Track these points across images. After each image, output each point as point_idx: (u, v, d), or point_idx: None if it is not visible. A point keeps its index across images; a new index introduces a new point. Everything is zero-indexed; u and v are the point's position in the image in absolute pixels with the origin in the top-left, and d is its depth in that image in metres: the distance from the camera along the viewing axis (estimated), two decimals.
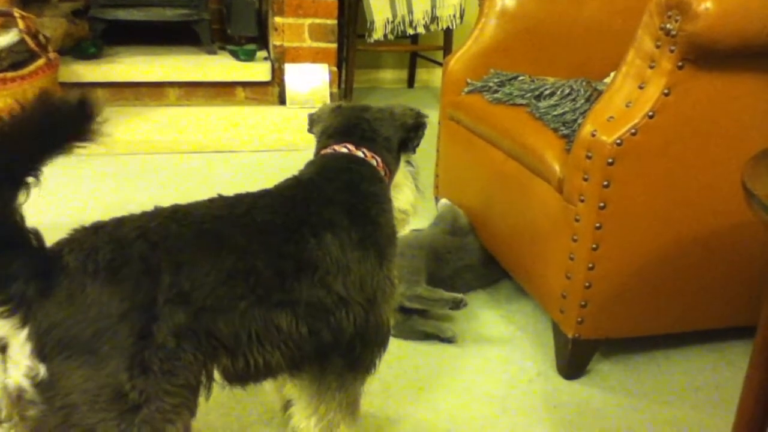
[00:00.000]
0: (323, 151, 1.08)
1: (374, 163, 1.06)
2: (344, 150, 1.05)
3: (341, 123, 1.09)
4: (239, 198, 0.97)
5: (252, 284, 0.86)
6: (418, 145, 1.20)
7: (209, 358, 0.84)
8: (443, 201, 1.84)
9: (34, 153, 0.74)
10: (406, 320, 1.48)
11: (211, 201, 0.96)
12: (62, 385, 0.74)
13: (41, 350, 0.74)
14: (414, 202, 1.18)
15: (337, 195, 0.98)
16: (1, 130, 0.69)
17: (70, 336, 0.75)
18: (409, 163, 1.20)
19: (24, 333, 0.74)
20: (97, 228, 0.90)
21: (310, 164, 1.06)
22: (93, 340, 0.75)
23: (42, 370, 0.74)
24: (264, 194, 0.98)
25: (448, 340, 1.46)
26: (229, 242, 0.87)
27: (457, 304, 1.46)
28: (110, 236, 0.86)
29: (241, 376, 0.90)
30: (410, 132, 1.16)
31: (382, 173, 1.08)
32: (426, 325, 1.48)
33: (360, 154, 1.05)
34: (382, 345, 1.02)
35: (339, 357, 0.98)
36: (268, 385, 1.18)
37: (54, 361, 0.74)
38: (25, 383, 0.75)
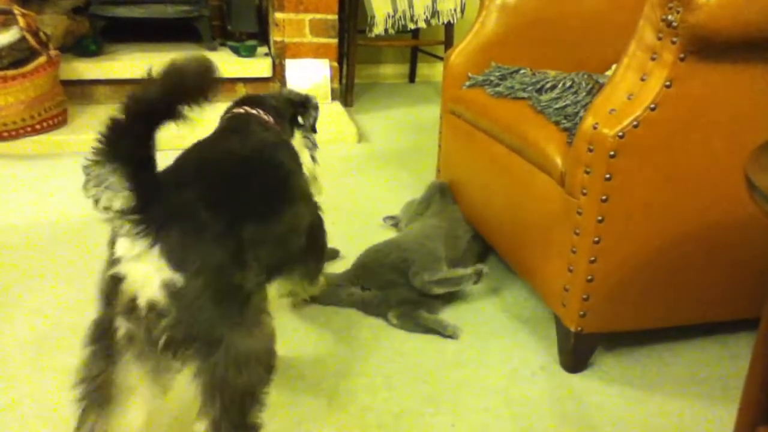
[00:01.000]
0: (227, 115, 1.33)
1: (267, 119, 1.31)
2: (242, 110, 1.31)
3: (240, 97, 1.39)
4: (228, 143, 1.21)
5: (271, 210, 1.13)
6: (312, 124, 1.45)
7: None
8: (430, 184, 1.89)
9: (171, 105, 0.90)
10: (412, 312, 1.48)
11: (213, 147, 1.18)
12: (191, 289, 0.90)
13: (175, 263, 0.90)
14: (311, 169, 1.42)
15: (270, 139, 1.25)
16: (151, 87, 0.87)
17: (193, 250, 0.91)
18: (307, 138, 1.44)
19: (156, 250, 0.89)
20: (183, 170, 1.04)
21: (225, 121, 1.31)
22: (210, 252, 0.92)
23: (178, 278, 0.89)
24: (237, 139, 1.22)
25: (449, 336, 1.47)
26: (255, 180, 1.13)
27: (479, 275, 1.52)
28: (199, 176, 1.02)
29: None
30: (297, 107, 1.42)
31: (276, 128, 1.33)
32: (429, 321, 1.48)
33: (254, 111, 1.31)
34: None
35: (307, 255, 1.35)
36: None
37: (184, 272, 0.90)
38: (160, 295, 0.90)
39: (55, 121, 2.57)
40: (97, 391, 0.95)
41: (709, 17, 1.07)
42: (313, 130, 1.46)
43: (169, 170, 1.02)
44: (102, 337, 0.96)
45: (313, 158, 1.45)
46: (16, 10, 2.45)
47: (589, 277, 1.26)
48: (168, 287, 0.90)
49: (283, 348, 1.41)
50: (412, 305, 1.50)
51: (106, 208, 0.88)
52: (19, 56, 2.45)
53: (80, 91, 2.86)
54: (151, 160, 0.90)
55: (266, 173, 1.17)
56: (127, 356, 0.95)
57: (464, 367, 1.37)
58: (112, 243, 0.93)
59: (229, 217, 0.97)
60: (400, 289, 1.51)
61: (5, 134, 2.44)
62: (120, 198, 0.87)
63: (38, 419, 1.18)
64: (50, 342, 1.40)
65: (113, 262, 0.92)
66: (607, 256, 1.25)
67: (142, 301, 0.91)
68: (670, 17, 1.11)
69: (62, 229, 1.91)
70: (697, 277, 1.33)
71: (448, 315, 1.55)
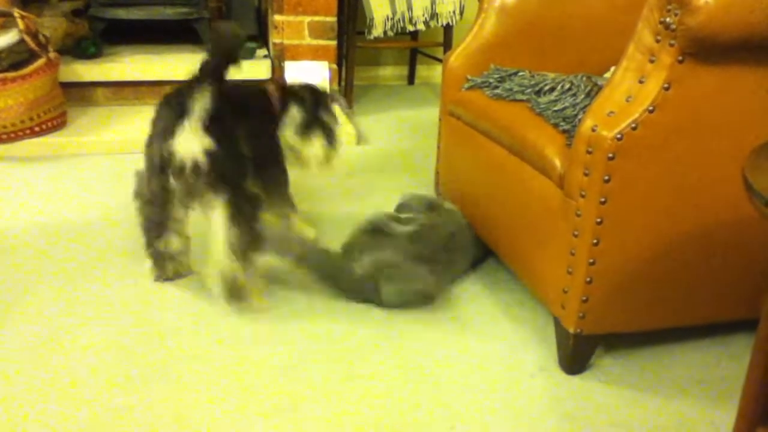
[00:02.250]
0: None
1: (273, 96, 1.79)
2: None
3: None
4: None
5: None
6: (310, 116, 1.81)
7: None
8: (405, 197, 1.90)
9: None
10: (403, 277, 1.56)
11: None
12: (218, 154, 1.46)
13: (216, 138, 1.46)
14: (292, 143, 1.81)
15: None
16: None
17: (218, 131, 1.47)
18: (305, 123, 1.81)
19: (204, 133, 1.46)
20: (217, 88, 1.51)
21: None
22: (227, 135, 1.50)
23: (210, 144, 1.46)
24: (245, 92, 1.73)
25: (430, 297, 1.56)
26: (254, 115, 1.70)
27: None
28: (221, 94, 1.49)
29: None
30: (297, 99, 1.82)
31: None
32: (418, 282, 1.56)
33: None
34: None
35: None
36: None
37: (219, 142, 1.46)
38: (200, 155, 1.45)
39: (55, 123, 2.57)
40: (159, 225, 1.60)
41: (708, 19, 1.08)
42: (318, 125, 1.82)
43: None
44: (158, 194, 1.54)
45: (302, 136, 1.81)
46: (16, 12, 2.45)
47: (588, 279, 1.26)
48: (210, 153, 1.46)
49: (282, 354, 1.41)
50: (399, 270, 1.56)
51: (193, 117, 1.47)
52: (18, 58, 2.45)
53: (79, 93, 2.86)
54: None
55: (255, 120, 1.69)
56: (175, 202, 1.55)
57: (463, 369, 1.37)
58: (154, 123, 1.55)
59: (234, 127, 1.54)
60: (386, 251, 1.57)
61: (4, 136, 2.44)
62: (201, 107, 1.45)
63: (37, 422, 1.18)
64: (50, 345, 1.40)
65: (167, 142, 1.47)
66: (606, 257, 1.25)
67: (188, 164, 1.46)
68: (668, 19, 1.12)
69: (61, 232, 1.91)
70: (696, 278, 1.33)
71: (446, 316, 1.55)
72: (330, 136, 1.84)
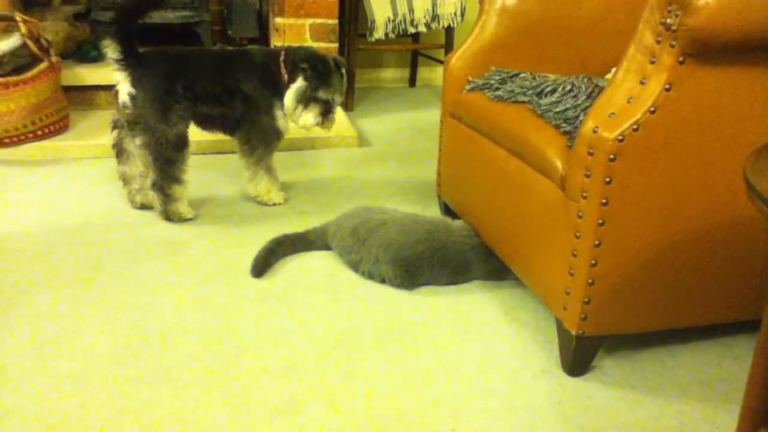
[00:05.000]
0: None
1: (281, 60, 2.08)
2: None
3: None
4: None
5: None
6: (308, 82, 2.04)
7: (200, 104, 2.00)
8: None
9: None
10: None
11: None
12: (140, 98, 1.90)
13: (133, 85, 1.90)
14: (289, 106, 2.06)
15: (257, 59, 2.10)
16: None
17: (143, 81, 1.91)
18: (306, 92, 2.04)
19: (127, 78, 1.91)
20: (162, 52, 1.99)
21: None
22: (153, 82, 1.91)
23: (134, 91, 1.90)
24: (227, 51, 2.12)
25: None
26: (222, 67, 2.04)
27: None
28: (162, 53, 1.99)
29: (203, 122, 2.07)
30: (298, 65, 2.05)
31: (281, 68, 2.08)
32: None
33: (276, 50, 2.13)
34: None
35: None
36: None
37: (138, 89, 1.90)
38: (127, 100, 1.91)
39: (57, 126, 2.57)
40: (120, 148, 2.03)
41: (709, 20, 1.07)
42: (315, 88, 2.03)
43: (157, 52, 1.97)
44: (116, 124, 2.02)
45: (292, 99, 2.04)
46: (18, 16, 2.46)
47: (590, 281, 1.26)
48: (130, 95, 1.91)
49: (286, 347, 1.41)
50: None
51: (111, 58, 1.89)
52: (20, 62, 2.45)
53: (81, 96, 2.87)
54: (131, 38, 1.88)
55: (223, 63, 2.02)
56: (125, 131, 1.99)
57: (465, 370, 1.37)
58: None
59: (170, 72, 1.93)
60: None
61: (7, 140, 2.45)
62: (113, 51, 1.88)
63: (39, 424, 1.18)
64: (50, 347, 1.40)
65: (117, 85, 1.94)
66: (607, 259, 1.25)
67: (120, 101, 1.94)
68: (669, 20, 1.12)
69: (63, 235, 1.91)
70: (698, 279, 1.33)
71: (448, 317, 1.55)
72: (327, 110, 2.06)
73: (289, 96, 2.02)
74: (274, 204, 2.17)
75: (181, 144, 1.96)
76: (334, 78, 2.03)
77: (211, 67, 2.01)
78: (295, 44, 2.18)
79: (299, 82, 2.01)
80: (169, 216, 2.01)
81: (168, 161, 1.94)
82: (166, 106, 1.91)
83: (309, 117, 2.04)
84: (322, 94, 2.03)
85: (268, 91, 2.04)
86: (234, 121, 2.07)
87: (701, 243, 1.29)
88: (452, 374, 1.36)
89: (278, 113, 2.07)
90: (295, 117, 2.05)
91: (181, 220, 2.02)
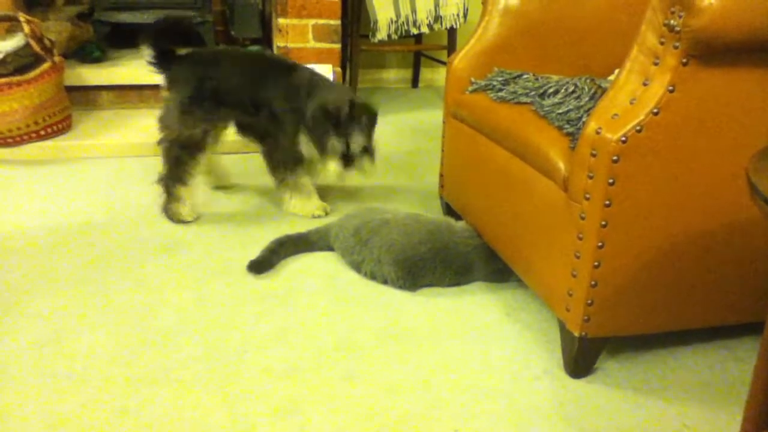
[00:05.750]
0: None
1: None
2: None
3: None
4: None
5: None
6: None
7: (224, 110, 2.02)
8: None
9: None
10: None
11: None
12: (172, 96, 1.98)
13: (167, 86, 1.98)
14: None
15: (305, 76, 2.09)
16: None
17: (173, 83, 1.99)
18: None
19: (164, 79, 2.00)
20: (197, 53, 2.06)
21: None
22: (180, 85, 1.98)
23: (166, 93, 2.00)
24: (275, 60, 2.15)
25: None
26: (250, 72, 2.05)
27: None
28: (200, 54, 2.06)
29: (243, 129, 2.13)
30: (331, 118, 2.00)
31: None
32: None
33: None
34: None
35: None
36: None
37: (169, 90, 1.99)
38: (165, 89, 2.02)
39: (60, 126, 2.58)
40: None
41: (712, 21, 1.07)
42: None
43: (193, 54, 2.05)
44: None
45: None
46: (21, 16, 2.46)
47: (593, 282, 1.26)
48: (164, 98, 2.03)
49: (285, 348, 1.41)
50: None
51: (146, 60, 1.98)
52: (23, 62, 2.46)
53: (84, 96, 2.87)
54: (167, 43, 1.99)
55: (258, 74, 2.02)
56: None
57: (467, 371, 1.37)
58: None
59: (199, 77, 1.97)
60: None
61: (10, 140, 2.45)
62: (147, 55, 1.96)
63: (40, 424, 1.18)
64: (51, 346, 1.40)
65: None
66: (610, 260, 1.25)
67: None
68: (672, 22, 1.12)
69: (66, 235, 1.91)
70: (701, 281, 1.33)
71: (450, 318, 1.55)
72: (350, 159, 2.01)
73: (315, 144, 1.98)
74: (315, 217, 2.09)
75: (194, 147, 1.96)
76: (341, 128, 1.95)
77: (246, 74, 2.00)
78: (328, 97, 1.99)
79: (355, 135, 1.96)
80: (168, 215, 2.02)
81: (177, 161, 1.96)
82: (187, 110, 1.95)
83: (331, 167, 1.98)
84: (331, 149, 1.96)
85: (296, 115, 1.99)
86: (260, 132, 2.06)
87: (704, 245, 1.29)
88: (454, 375, 1.36)
89: (303, 140, 2.01)
90: (321, 163, 2.01)
91: (179, 221, 2.01)
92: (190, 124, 1.95)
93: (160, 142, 1.99)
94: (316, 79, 2.03)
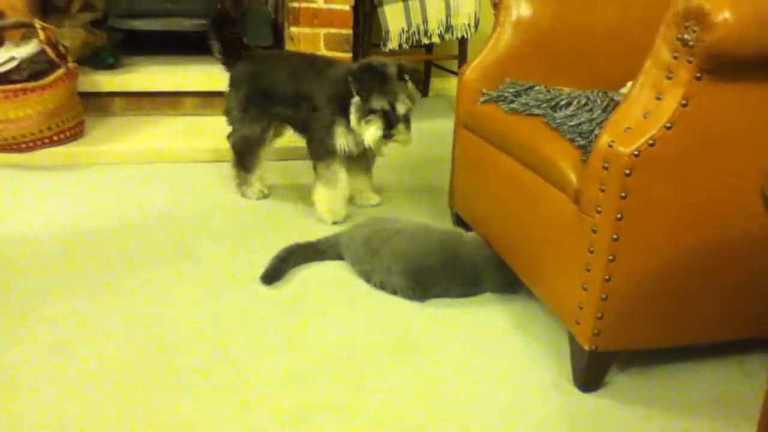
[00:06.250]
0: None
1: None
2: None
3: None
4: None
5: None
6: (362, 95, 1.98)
7: (274, 106, 2.17)
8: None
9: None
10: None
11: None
12: (232, 94, 2.23)
13: (230, 82, 2.25)
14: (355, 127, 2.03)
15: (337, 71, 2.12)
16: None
17: (232, 81, 2.23)
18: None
19: (229, 75, 2.25)
20: (255, 53, 2.30)
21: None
22: (238, 83, 2.22)
23: (228, 90, 2.24)
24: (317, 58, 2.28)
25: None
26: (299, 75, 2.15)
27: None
28: (257, 55, 2.29)
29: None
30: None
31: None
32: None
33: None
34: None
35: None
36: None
37: (229, 87, 2.23)
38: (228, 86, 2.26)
39: (73, 132, 2.60)
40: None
41: (726, 37, 1.07)
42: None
43: (253, 54, 2.28)
44: None
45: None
46: (37, 23, 2.48)
47: (604, 296, 1.26)
48: (226, 94, 2.25)
49: (308, 362, 1.41)
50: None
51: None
52: (38, 68, 2.48)
53: (97, 102, 2.89)
54: (229, 41, 2.20)
55: (303, 68, 2.12)
56: None
57: (475, 383, 1.37)
58: None
59: (253, 75, 2.18)
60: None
61: (23, 145, 2.47)
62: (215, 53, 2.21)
63: (50, 429, 1.19)
64: (63, 351, 1.41)
65: None
66: (622, 274, 1.25)
67: None
68: (686, 36, 1.12)
69: (78, 240, 1.93)
70: (713, 296, 1.32)
71: (459, 329, 1.55)
72: (390, 121, 1.92)
73: (351, 115, 1.96)
74: (333, 223, 2.09)
75: (253, 143, 2.19)
76: (388, 86, 1.91)
77: (292, 70, 2.13)
78: (375, 58, 2.06)
79: (354, 98, 1.95)
80: (239, 192, 2.28)
81: (241, 155, 2.22)
82: (245, 108, 2.17)
83: (371, 131, 1.93)
84: (376, 104, 1.91)
85: (334, 106, 2.01)
86: (302, 123, 2.14)
87: (716, 259, 1.28)
88: (463, 387, 1.36)
89: (339, 131, 2.01)
90: (361, 135, 1.97)
91: (246, 197, 2.28)
92: (248, 123, 2.17)
93: (228, 138, 2.26)
94: (349, 66, 2.08)
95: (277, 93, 2.13)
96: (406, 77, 1.96)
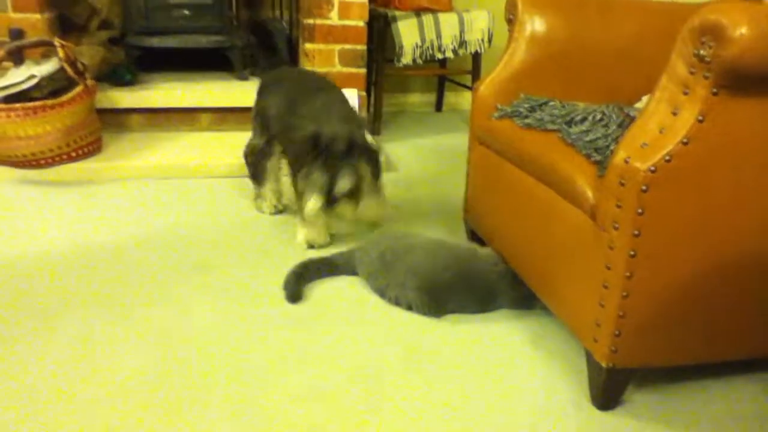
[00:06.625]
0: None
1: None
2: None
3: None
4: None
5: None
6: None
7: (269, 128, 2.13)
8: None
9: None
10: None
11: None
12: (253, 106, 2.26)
13: (259, 91, 2.25)
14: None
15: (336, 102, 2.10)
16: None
17: (257, 93, 2.25)
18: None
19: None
20: (276, 72, 2.30)
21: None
22: (256, 97, 2.26)
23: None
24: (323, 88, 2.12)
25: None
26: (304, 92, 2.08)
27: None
28: (271, 73, 2.28)
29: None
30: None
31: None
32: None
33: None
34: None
35: None
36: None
37: (259, 97, 2.24)
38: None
39: (91, 148, 2.63)
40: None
41: (743, 52, 1.07)
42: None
43: (275, 71, 2.29)
44: None
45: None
46: (57, 41, 2.52)
47: (621, 313, 1.24)
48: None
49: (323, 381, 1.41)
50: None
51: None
52: (57, 86, 2.52)
53: (115, 119, 2.93)
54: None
55: (290, 97, 2.04)
56: None
57: (491, 401, 1.36)
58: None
59: (264, 92, 2.21)
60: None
61: (42, 161, 2.50)
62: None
63: None
64: (85, 368, 1.42)
65: None
66: (639, 291, 1.23)
67: None
68: (702, 52, 1.11)
69: (96, 256, 1.94)
70: (732, 312, 1.30)
71: (474, 346, 1.54)
72: (333, 198, 1.85)
73: (298, 180, 1.87)
74: (309, 248, 2.02)
75: (260, 155, 2.19)
76: (331, 161, 1.80)
77: (286, 95, 2.07)
78: (327, 129, 1.86)
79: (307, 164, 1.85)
80: (256, 207, 2.31)
81: (251, 166, 2.25)
82: (254, 121, 2.22)
83: (309, 204, 1.85)
84: (317, 179, 1.82)
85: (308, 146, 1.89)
86: (285, 149, 2.11)
87: (735, 275, 1.27)
88: (478, 404, 1.35)
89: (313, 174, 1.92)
90: (300, 198, 1.90)
91: (260, 211, 2.29)
92: (258, 133, 2.19)
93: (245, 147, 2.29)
94: (334, 107, 1.95)
95: (270, 113, 2.11)
96: (355, 155, 1.83)
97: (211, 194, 2.46)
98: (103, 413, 1.28)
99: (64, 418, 1.26)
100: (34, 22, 2.76)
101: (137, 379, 1.39)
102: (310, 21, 2.93)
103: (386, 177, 2.72)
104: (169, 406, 1.31)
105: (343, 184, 1.82)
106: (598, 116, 1.49)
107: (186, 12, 3.03)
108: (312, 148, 1.82)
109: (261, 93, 2.22)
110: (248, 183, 2.57)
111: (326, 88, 2.07)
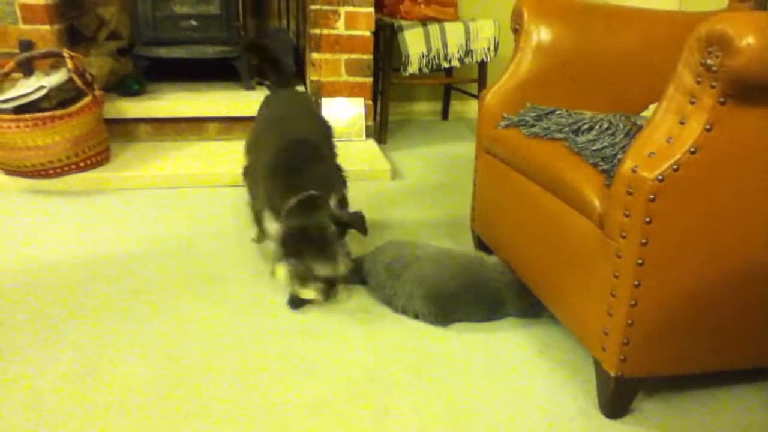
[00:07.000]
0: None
1: None
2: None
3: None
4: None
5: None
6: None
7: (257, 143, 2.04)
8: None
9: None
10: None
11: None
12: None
13: (262, 104, 2.24)
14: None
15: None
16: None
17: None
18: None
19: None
20: (278, 89, 2.29)
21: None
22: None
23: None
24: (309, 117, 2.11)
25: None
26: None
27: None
28: (275, 90, 2.31)
29: None
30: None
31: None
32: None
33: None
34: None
35: None
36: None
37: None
38: None
39: (99, 158, 2.64)
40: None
41: (750, 62, 1.07)
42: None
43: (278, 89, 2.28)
44: None
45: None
46: (65, 52, 2.55)
47: (629, 321, 1.24)
48: None
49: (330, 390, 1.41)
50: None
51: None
52: (66, 96, 2.54)
53: (123, 129, 2.95)
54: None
55: (284, 122, 1.99)
56: None
57: (499, 410, 1.35)
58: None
59: (261, 109, 2.21)
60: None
61: (51, 171, 2.52)
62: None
63: None
64: (87, 378, 1.42)
65: None
66: (647, 299, 1.23)
67: None
68: (709, 61, 1.12)
69: (103, 265, 1.95)
70: (741, 321, 1.30)
71: (482, 355, 1.54)
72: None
73: (288, 273, 1.68)
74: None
75: (249, 168, 2.05)
76: (326, 257, 1.65)
77: (273, 117, 2.04)
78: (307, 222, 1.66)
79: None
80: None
81: (247, 185, 2.06)
82: (251, 134, 2.13)
83: (307, 293, 1.71)
84: (318, 271, 1.67)
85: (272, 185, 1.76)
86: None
87: (743, 284, 1.27)
88: (486, 414, 1.34)
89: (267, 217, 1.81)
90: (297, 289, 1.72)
91: (256, 226, 2.03)
92: (252, 150, 2.07)
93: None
94: (304, 164, 1.78)
95: (260, 132, 2.04)
96: (336, 250, 1.67)
97: (218, 203, 2.47)
98: (108, 422, 1.29)
99: (69, 428, 1.27)
100: (44, 33, 2.79)
101: (141, 387, 1.39)
102: (317, 31, 2.95)
103: (393, 185, 2.73)
104: (173, 415, 1.31)
105: (321, 273, 1.67)
106: (605, 125, 1.49)
107: (193, 23, 3.05)
108: (282, 245, 1.67)
109: (259, 109, 2.20)
110: None
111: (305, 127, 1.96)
